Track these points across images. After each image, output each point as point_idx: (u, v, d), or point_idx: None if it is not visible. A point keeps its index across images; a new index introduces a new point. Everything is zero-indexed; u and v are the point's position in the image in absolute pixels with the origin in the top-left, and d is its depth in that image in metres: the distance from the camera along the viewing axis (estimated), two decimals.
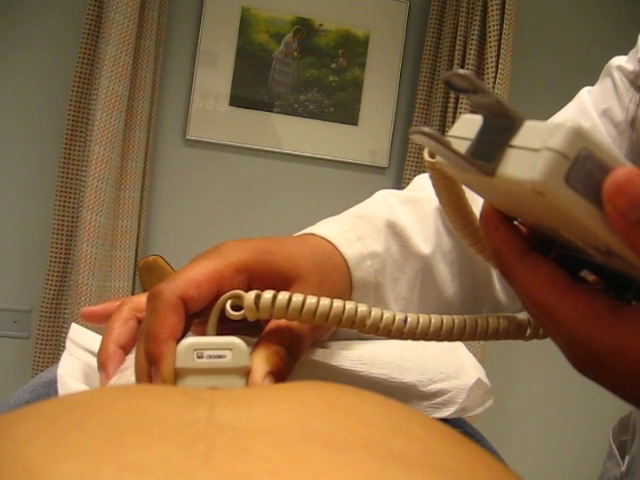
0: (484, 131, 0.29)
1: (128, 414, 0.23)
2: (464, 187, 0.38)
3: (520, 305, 0.57)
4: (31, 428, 0.22)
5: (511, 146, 0.27)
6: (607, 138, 0.59)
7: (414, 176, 2.22)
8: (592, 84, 0.65)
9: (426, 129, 0.27)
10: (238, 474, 0.19)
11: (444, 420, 0.46)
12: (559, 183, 0.25)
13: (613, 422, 0.71)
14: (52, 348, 1.93)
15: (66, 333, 0.48)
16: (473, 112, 1.88)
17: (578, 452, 2.29)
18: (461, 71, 0.27)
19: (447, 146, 0.28)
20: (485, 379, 0.46)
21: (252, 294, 0.36)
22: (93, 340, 0.48)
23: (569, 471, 2.30)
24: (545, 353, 2.03)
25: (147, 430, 0.22)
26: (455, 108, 2.02)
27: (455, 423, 0.50)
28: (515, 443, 2.23)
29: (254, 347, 0.37)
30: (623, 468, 0.63)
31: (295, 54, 2.12)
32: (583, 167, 0.25)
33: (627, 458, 0.63)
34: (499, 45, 1.95)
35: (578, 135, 0.25)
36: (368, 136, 2.17)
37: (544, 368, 2.26)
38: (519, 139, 0.27)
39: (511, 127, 0.27)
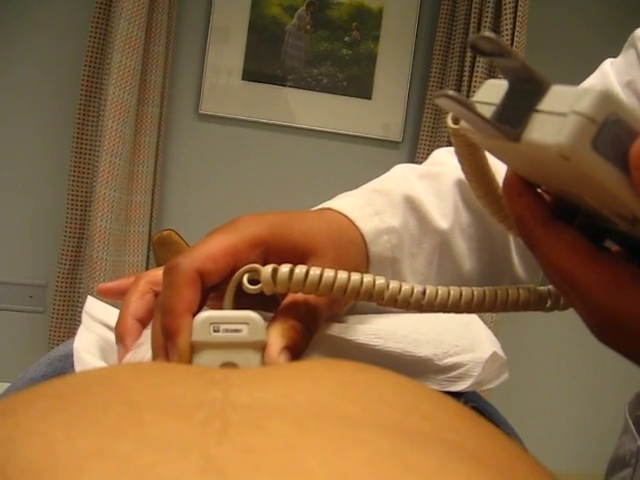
0: (509, 96, 0.28)
1: (143, 393, 0.24)
2: (488, 155, 0.38)
3: (539, 280, 0.57)
4: (47, 405, 0.22)
5: (537, 111, 0.26)
6: None
7: (428, 151, 2.19)
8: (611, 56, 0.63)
9: (451, 92, 0.26)
10: (253, 449, 0.19)
11: (458, 394, 0.46)
12: (586, 148, 0.24)
13: (627, 396, 0.71)
14: (67, 322, 1.95)
15: (81, 307, 0.49)
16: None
17: (592, 426, 2.30)
18: (487, 34, 0.26)
19: (472, 110, 0.27)
20: (501, 352, 0.45)
21: (269, 268, 0.36)
22: (109, 313, 0.48)
23: (583, 444, 2.31)
24: (559, 327, 2.03)
25: (163, 408, 0.22)
26: (470, 83, 2.00)
27: (469, 398, 0.50)
28: (528, 417, 2.23)
29: (270, 321, 0.37)
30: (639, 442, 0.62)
31: (308, 27, 2.09)
32: (611, 132, 0.24)
33: None
34: (515, 17, 1.92)
35: (607, 99, 0.24)
36: (382, 110, 2.15)
37: (557, 342, 2.26)
38: (546, 104, 0.26)
39: (537, 92, 0.27)
